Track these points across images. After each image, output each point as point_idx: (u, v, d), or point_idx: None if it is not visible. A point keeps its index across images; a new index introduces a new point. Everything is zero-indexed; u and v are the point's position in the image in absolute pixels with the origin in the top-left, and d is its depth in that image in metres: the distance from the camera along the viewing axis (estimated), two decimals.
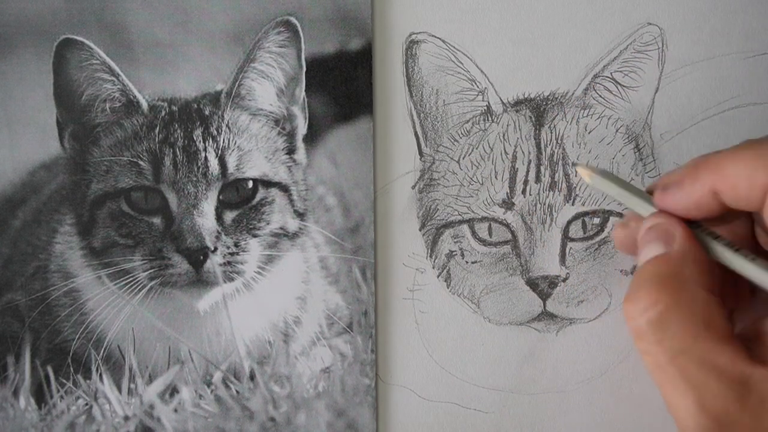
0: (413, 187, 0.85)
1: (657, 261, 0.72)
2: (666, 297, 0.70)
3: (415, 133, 0.85)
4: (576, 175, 0.84)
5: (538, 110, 0.85)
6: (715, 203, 0.72)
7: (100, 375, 0.83)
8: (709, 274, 0.72)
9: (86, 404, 0.82)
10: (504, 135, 0.85)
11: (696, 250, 0.72)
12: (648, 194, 0.76)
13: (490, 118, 0.85)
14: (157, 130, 0.82)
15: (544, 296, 0.84)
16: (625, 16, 0.84)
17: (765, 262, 0.72)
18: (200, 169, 0.81)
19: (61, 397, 0.82)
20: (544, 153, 0.85)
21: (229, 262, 0.81)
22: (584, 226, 0.84)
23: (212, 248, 0.81)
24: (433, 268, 0.85)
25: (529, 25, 0.85)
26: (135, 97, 0.83)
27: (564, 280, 0.84)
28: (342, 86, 0.85)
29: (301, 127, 0.85)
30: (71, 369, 0.83)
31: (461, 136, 0.85)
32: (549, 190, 0.84)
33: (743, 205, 0.71)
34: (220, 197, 0.82)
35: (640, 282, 0.71)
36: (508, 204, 0.84)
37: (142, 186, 0.82)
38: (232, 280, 0.82)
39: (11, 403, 0.82)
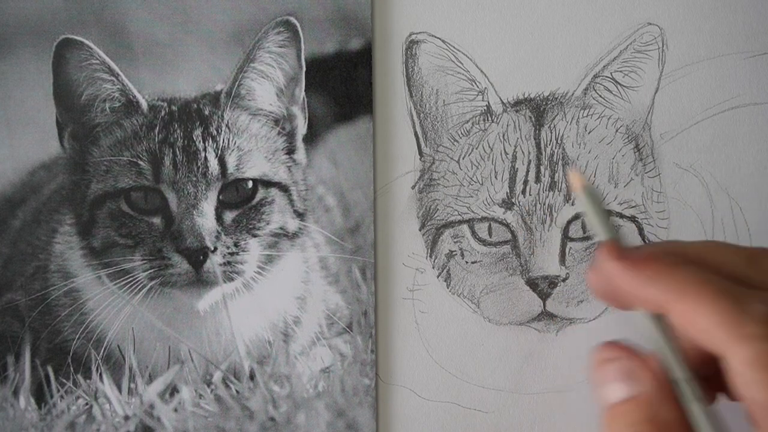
0: (413, 187, 0.85)
1: (628, 407, 0.63)
2: None
3: (415, 133, 0.85)
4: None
5: (538, 110, 0.85)
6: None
7: (100, 375, 0.83)
8: (682, 412, 0.61)
9: (86, 404, 0.82)
10: (504, 135, 0.85)
11: (665, 385, 0.62)
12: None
13: (490, 118, 0.85)
14: (156, 130, 0.82)
15: (544, 296, 0.84)
16: (625, 16, 0.84)
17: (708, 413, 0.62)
18: (200, 169, 0.81)
19: (61, 396, 0.82)
20: (544, 153, 0.84)
21: (228, 262, 0.81)
22: (584, 226, 0.84)
23: (212, 248, 0.81)
24: (433, 268, 0.85)
25: (529, 25, 0.85)
26: (134, 97, 0.83)
27: (564, 280, 0.84)
28: (342, 86, 0.85)
29: (301, 127, 0.85)
30: (71, 369, 0.83)
31: (461, 136, 0.85)
32: (549, 190, 0.84)
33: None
34: (220, 197, 0.82)
35: None
36: (507, 204, 0.84)
37: (141, 186, 0.81)
38: (231, 280, 0.82)
39: (11, 402, 0.82)
